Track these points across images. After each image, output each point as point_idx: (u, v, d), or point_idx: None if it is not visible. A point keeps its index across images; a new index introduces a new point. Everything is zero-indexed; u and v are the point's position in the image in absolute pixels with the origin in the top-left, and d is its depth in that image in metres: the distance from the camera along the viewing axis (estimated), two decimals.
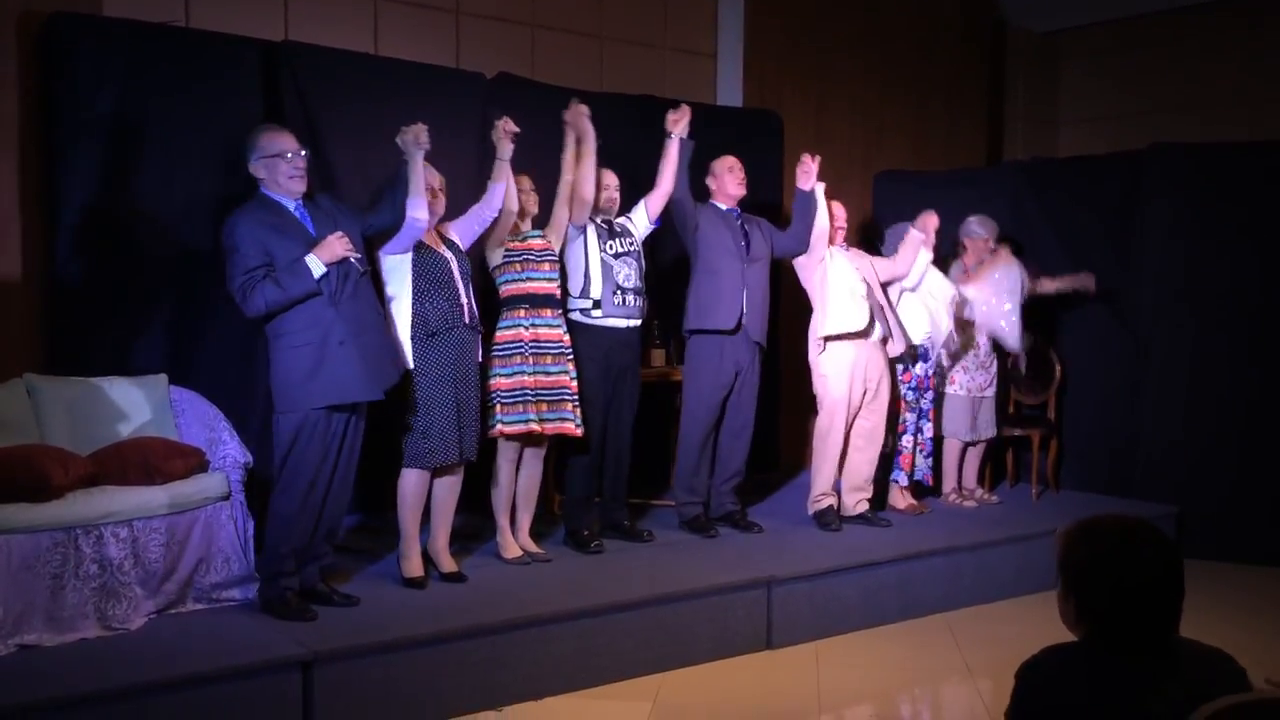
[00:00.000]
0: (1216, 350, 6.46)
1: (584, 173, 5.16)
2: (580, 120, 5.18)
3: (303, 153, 4.25)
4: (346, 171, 5.50)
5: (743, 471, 5.80)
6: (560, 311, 5.05)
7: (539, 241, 5.05)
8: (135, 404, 4.49)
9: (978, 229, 6.44)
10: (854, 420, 5.83)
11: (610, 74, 6.91)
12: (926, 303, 6.08)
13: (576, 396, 5.01)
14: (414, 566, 4.64)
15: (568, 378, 4.99)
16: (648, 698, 4.30)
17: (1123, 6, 8.90)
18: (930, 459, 6.23)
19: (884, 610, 5.24)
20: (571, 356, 5.03)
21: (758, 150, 7.05)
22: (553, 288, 5.01)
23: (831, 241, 5.82)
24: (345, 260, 4.19)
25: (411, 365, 4.54)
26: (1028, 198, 7.13)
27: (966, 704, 4.45)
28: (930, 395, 6.19)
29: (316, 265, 4.11)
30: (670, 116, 5.50)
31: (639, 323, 5.37)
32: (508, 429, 4.84)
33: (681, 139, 5.46)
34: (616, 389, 5.30)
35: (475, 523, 5.35)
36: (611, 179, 5.36)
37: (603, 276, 5.20)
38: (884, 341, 5.84)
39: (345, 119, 5.47)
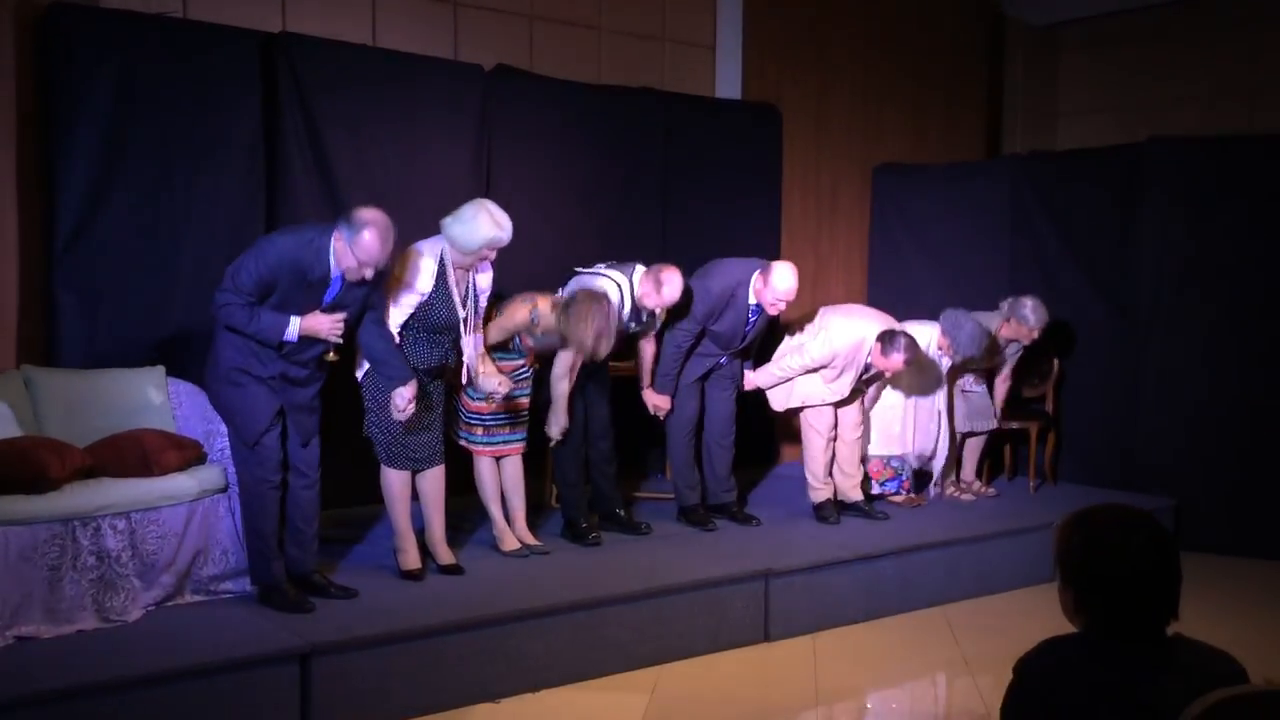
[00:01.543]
0: (1214, 343, 6.46)
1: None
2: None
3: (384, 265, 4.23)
4: (343, 162, 5.49)
5: (729, 455, 5.80)
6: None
7: (523, 362, 5.05)
8: (133, 396, 4.48)
9: (1032, 316, 6.24)
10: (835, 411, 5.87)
11: (609, 66, 6.90)
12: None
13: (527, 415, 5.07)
14: (411, 559, 4.64)
15: (527, 400, 5.05)
16: (645, 690, 4.31)
17: (1121, 0, 8.88)
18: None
19: (882, 603, 5.25)
20: (531, 378, 5.06)
21: (756, 143, 7.06)
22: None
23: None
24: (323, 340, 4.22)
25: (358, 377, 4.57)
26: (1026, 190, 7.13)
27: (964, 696, 4.45)
28: None
29: (293, 331, 4.13)
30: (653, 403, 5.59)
31: None
32: (472, 446, 4.94)
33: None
34: (582, 381, 5.31)
35: (474, 515, 5.34)
36: (676, 289, 5.25)
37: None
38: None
39: (343, 110, 5.46)
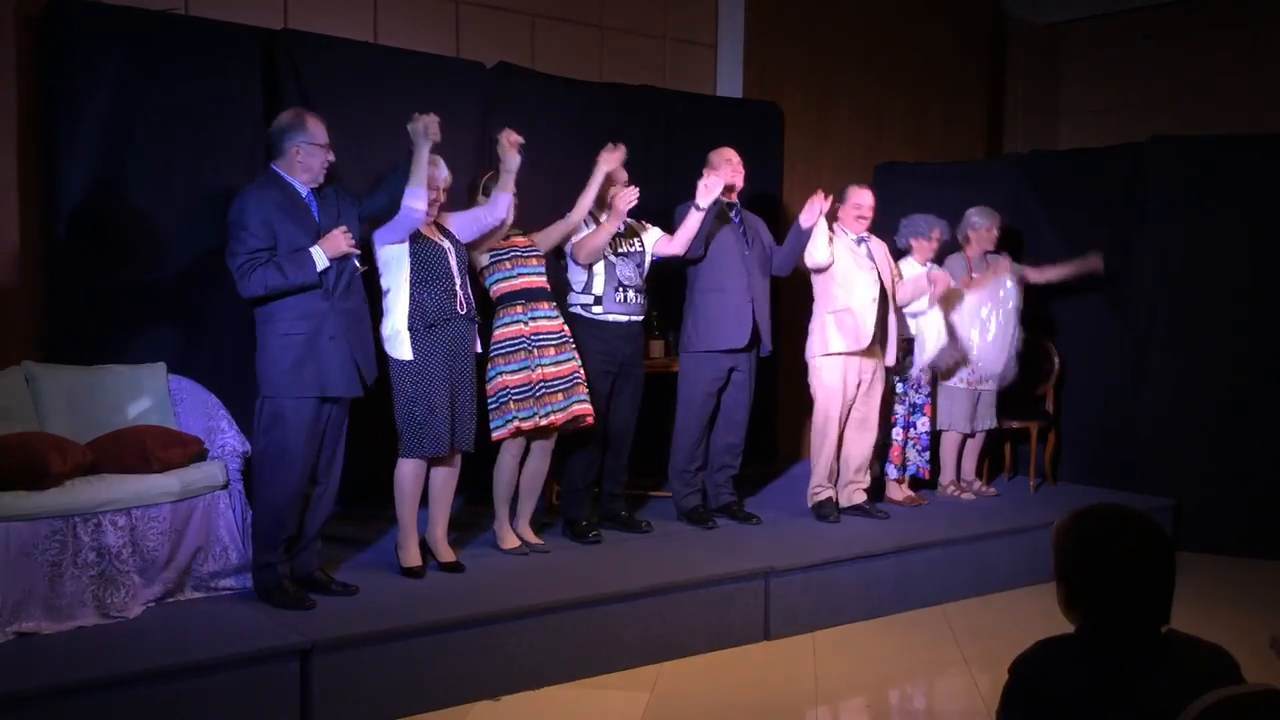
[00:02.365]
0: (1215, 343, 6.46)
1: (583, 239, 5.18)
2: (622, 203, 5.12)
3: None
4: (344, 160, 5.47)
5: (737, 463, 5.79)
6: (554, 304, 5.05)
7: (522, 239, 5.04)
8: (134, 392, 4.49)
9: (978, 219, 6.42)
10: (849, 413, 5.84)
11: (610, 64, 6.90)
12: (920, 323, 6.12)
13: (585, 380, 5.03)
14: (412, 556, 4.64)
15: (575, 364, 5.00)
16: (646, 688, 4.31)
17: None
18: (926, 453, 6.24)
19: (881, 602, 5.25)
20: (573, 343, 5.03)
21: (757, 141, 7.05)
22: (543, 281, 5.02)
23: (841, 226, 5.80)
24: (346, 256, 4.21)
25: (410, 356, 4.52)
26: (1027, 190, 7.13)
27: (963, 695, 4.45)
28: (925, 390, 6.19)
29: (320, 258, 4.13)
30: (700, 185, 5.34)
31: (641, 318, 5.38)
32: (523, 425, 4.85)
33: (705, 209, 5.34)
34: (617, 382, 5.31)
35: (474, 511, 5.35)
36: (621, 175, 5.30)
37: (605, 274, 5.21)
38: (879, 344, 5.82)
39: (344, 108, 5.45)
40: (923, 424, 6.19)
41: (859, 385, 5.80)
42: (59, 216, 4.82)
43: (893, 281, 5.90)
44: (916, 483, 6.33)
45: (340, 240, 4.17)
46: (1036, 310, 6.80)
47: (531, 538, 5.08)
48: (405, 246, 4.53)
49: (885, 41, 8.11)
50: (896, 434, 6.17)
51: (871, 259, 5.80)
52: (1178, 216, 6.55)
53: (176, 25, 5.13)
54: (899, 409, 6.14)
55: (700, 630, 4.69)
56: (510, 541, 5.00)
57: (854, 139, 7.96)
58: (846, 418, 5.84)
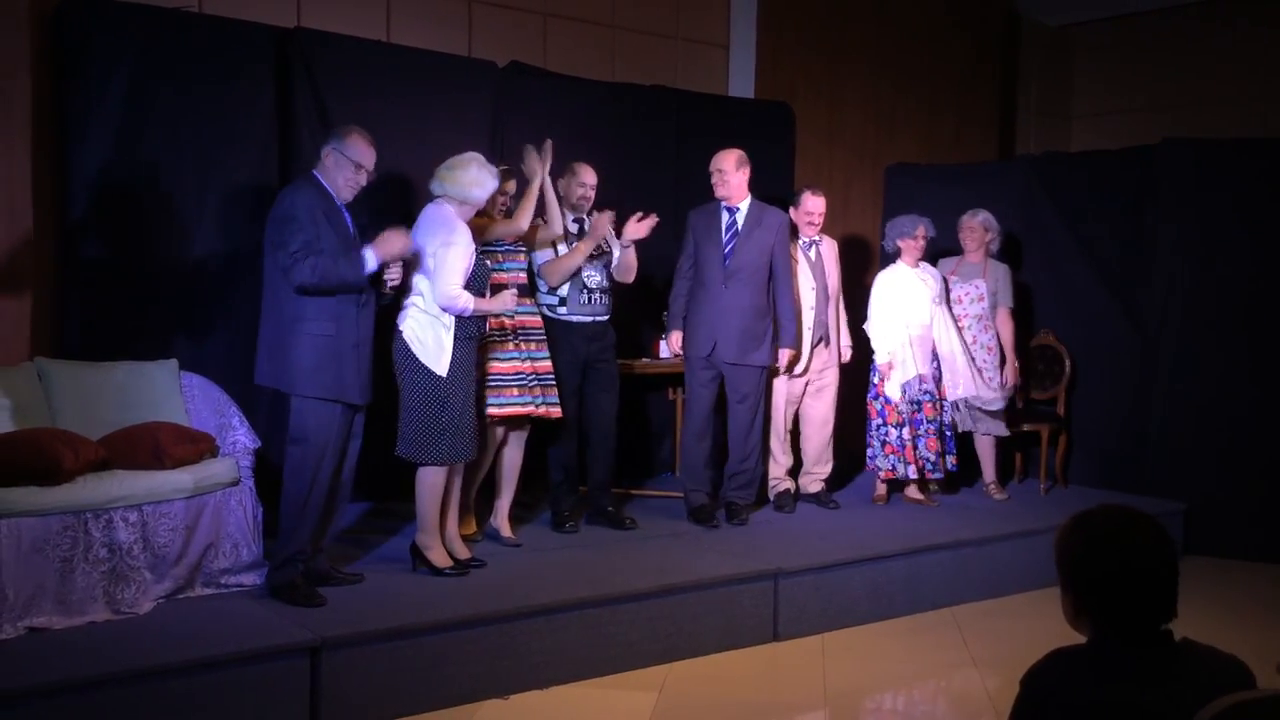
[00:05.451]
0: (1226, 346, 6.44)
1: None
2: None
3: (373, 175, 4.30)
4: None
5: (745, 466, 5.76)
6: (534, 300, 5.13)
7: (510, 235, 5.06)
8: (146, 388, 4.50)
9: (963, 220, 6.45)
10: (799, 408, 6.04)
11: (622, 64, 6.91)
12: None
13: (555, 380, 5.12)
14: (441, 557, 4.61)
15: (550, 362, 5.09)
16: (654, 688, 4.31)
17: (1136, 1, 8.87)
18: (934, 449, 6.15)
19: (890, 603, 5.24)
20: (547, 341, 5.13)
21: (769, 142, 7.05)
22: (524, 277, 5.09)
23: (800, 234, 5.93)
24: (397, 259, 4.24)
25: (449, 365, 4.49)
26: (1039, 192, 7.11)
27: (972, 698, 4.44)
28: (923, 387, 6.12)
29: (372, 259, 4.16)
30: (632, 226, 5.36)
31: (606, 317, 5.40)
32: (520, 410, 4.92)
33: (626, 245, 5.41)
34: (588, 378, 5.36)
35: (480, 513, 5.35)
36: (589, 177, 5.37)
37: (571, 278, 5.27)
38: (822, 341, 5.95)
39: (356, 106, 5.46)
40: (922, 419, 6.14)
41: (807, 384, 5.99)
42: (72, 213, 4.84)
43: (839, 282, 6.08)
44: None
45: (396, 243, 4.19)
46: (1048, 313, 6.78)
47: (507, 532, 5.11)
48: (471, 248, 4.52)
49: (897, 42, 8.10)
50: (892, 433, 6.10)
51: (820, 261, 5.95)
52: (1189, 219, 6.53)
53: (190, 23, 5.14)
54: (904, 407, 6.09)
55: (709, 631, 4.69)
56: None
57: (865, 140, 7.95)
58: (796, 414, 6.05)
